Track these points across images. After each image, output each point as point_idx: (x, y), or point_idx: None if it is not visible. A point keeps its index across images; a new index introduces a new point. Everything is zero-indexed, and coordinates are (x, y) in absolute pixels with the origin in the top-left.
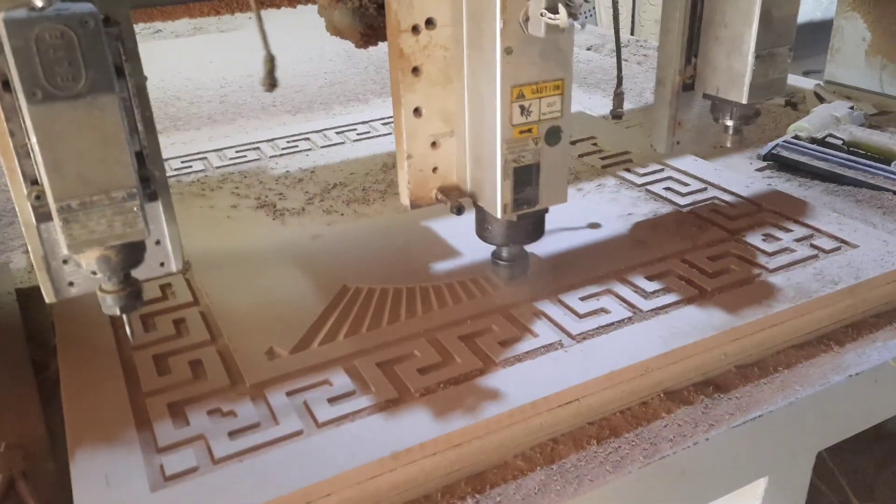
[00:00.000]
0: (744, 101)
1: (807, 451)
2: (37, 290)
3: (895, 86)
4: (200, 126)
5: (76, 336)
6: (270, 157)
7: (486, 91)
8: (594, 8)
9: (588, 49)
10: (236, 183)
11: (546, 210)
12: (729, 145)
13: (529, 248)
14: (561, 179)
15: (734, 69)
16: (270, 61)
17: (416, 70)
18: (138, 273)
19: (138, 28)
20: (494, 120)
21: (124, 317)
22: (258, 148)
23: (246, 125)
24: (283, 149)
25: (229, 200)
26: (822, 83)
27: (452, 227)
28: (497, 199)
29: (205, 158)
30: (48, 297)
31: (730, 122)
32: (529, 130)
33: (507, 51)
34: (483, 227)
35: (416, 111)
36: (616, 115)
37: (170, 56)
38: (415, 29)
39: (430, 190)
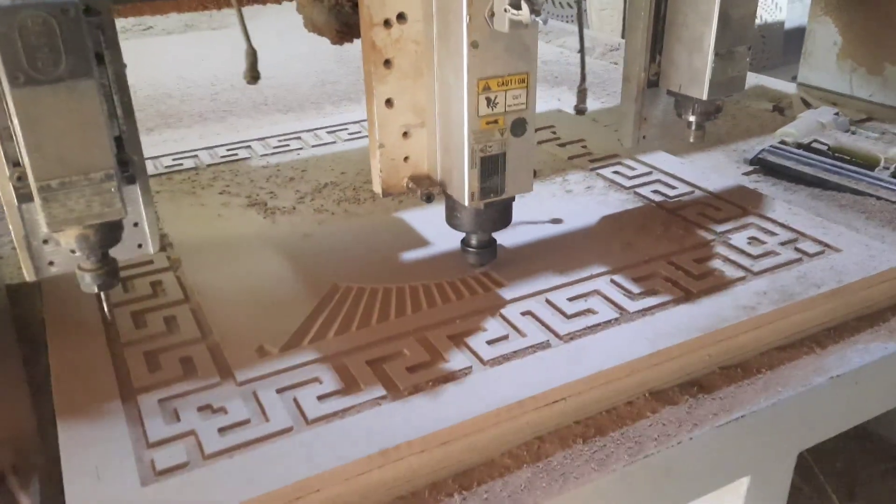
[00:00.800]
0: (704, 98)
1: (788, 451)
2: (27, 285)
3: (865, 89)
4: (192, 124)
5: (67, 332)
6: (261, 155)
7: (454, 83)
8: (586, 10)
9: (579, 52)
10: (227, 181)
11: (512, 198)
12: (692, 140)
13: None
14: (526, 169)
15: (695, 67)
16: (252, 55)
17: (387, 63)
18: (117, 255)
19: (129, 24)
20: (462, 111)
21: (101, 294)
22: (249, 146)
23: (237, 123)
24: (274, 148)
25: (220, 199)
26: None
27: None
28: (465, 187)
29: (195, 156)
30: (28, 275)
31: (692, 118)
32: (496, 122)
33: (474, 45)
34: (452, 214)
35: (388, 102)
36: (579, 110)
37: (161, 53)
38: (387, 23)
39: (401, 179)
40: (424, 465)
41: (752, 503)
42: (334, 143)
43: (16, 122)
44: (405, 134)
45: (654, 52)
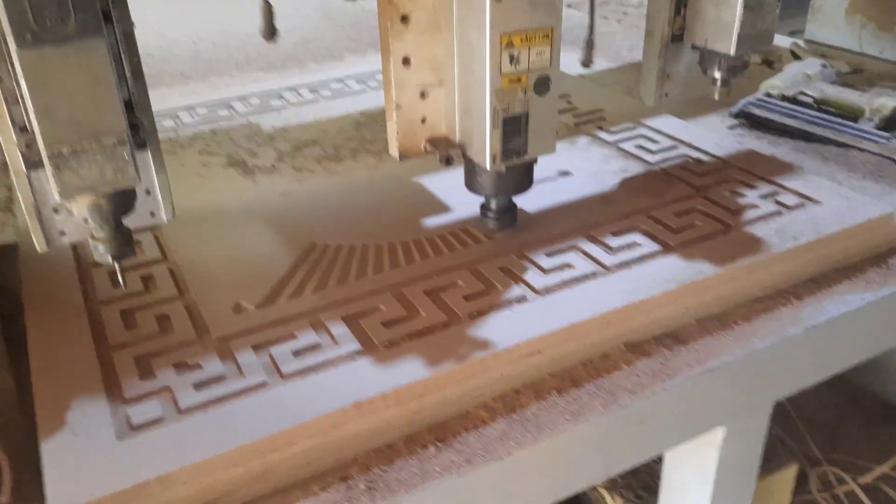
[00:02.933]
0: (732, 53)
1: (763, 402)
2: (6, 245)
3: (874, 45)
4: (172, 83)
5: (43, 291)
6: (242, 114)
7: (474, 39)
8: None
9: (568, 7)
10: (207, 141)
11: (535, 160)
12: (717, 98)
13: None
14: (549, 130)
15: (723, 20)
16: (268, 9)
17: (404, 18)
18: (129, 223)
19: None
20: (483, 69)
21: (116, 265)
22: (230, 106)
23: (218, 82)
24: (254, 106)
25: (199, 158)
26: (800, 42)
27: (433, 181)
28: (486, 149)
29: (175, 116)
30: (40, 246)
31: (718, 74)
32: (519, 80)
33: None
34: (472, 178)
35: (405, 60)
36: (586, 62)
37: (142, 11)
38: None
39: (419, 141)
40: (399, 417)
41: (727, 453)
42: (316, 100)
43: (24, 85)
44: (422, 94)
45: (679, 4)
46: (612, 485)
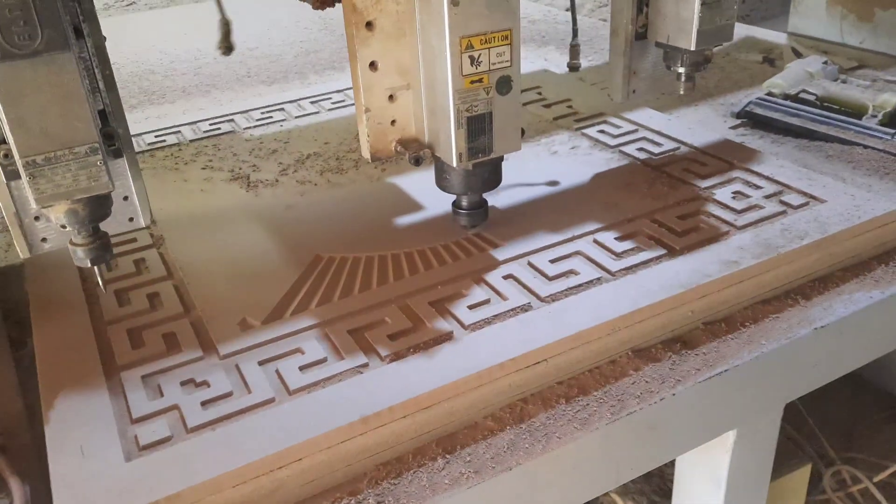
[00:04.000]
0: (692, 48)
1: (774, 404)
2: (13, 267)
3: (854, 36)
4: (175, 99)
5: (51, 311)
6: (244, 128)
7: (436, 43)
8: None
9: (567, 10)
10: (210, 156)
11: (502, 158)
12: (682, 92)
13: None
14: (514, 127)
15: (682, 17)
16: (225, 25)
17: (369, 25)
18: (109, 228)
19: (111, 0)
20: (446, 71)
21: (94, 269)
22: (232, 120)
23: (220, 97)
24: (257, 120)
25: (203, 174)
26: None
27: (427, 192)
28: (452, 148)
29: (178, 132)
30: (22, 252)
31: (681, 70)
32: (480, 80)
33: (454, 2)
34: (441, 176)
35: (372, 65)
36: (572, 66)
37: (144, 29)
38: None
39: (389, 142)
40: (407, 430)
41: (739, 456)
42: (317, 112)
43: None
44: (391, 97)
45: (641, 3)
46: (625, 490)
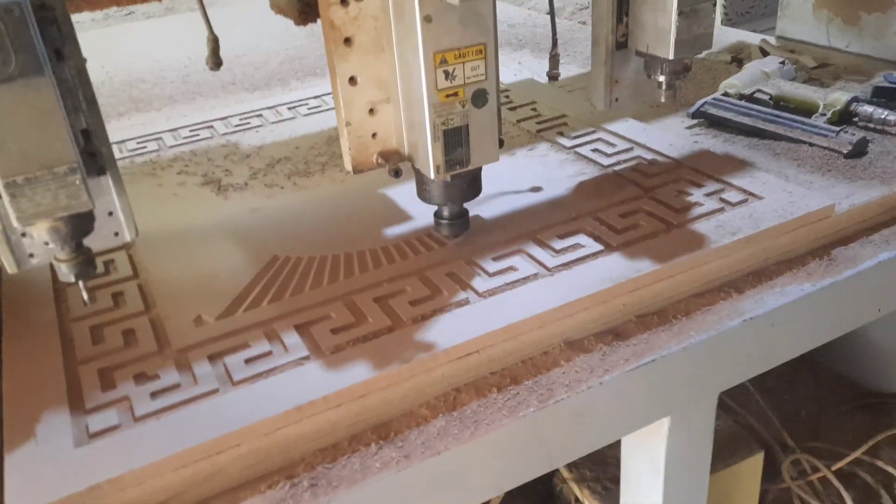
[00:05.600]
0: (670, 57)
1: (706, 393)
2: None
3: (840, 39)
4: (161, 107)
5: (21, 311)
6: (222, 134)
7: (411, 58)
8: None
9: (548, 13)
10: (186, 161)
11: (480, 169)
12: (663, 100)
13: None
14: (491, 139)
15: (660, 26)
16: (214, 41)
17: (347, 41)
18: (95, 243)
19: (111, 10)
20: (421, 85)
21: (80, 283)
22: (211, 126)
23: (204, 104)
24: (234, 126)
25: (177, 178)
26: (771, 39)
27: (398, 192)
28: (430, 161)
29: (159, 139)
30: (10, 268)
31: (662, 78)
32: (456, 94)
33: (427, 19)
34: (422, 188)
35: (352, 80)
36: (552, 76)
37: (140, 38)
38: (344, 1)
39: (370, 155)
40: (343, 418)
41: (675, 442)
42: (293, 118)
43: None
44: (371, 111)
45: (620, 13)
46: (581, 477)
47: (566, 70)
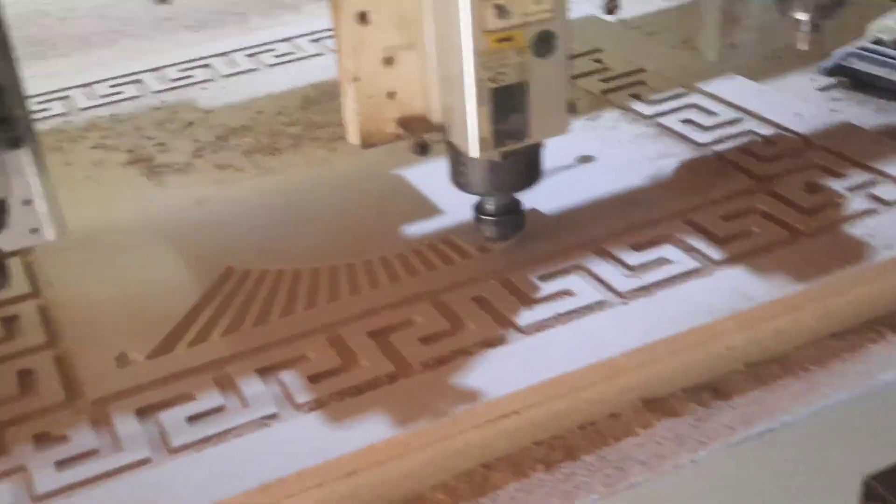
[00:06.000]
0: None
1: (847, 478)
2: None
3: None
4: (70, 51)
5: None
6: (155, 92)
7: None
8: None
9: None
10: (105, 130)
11: (541, 145)
12: (805, 46)
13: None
14: (558, 102)
15: None
16: None
17: None
18: (5, 244)
19: None
20: (460, 25)
21: None
22: (140, 80)
23: (130, 48)
24: (172, 80)
25: (92, 155)
26: None
27: (393, 177)
28: (471, 132)
29: (67, 97)
30: None
31: (803, 16)
32: (510, 39)
33: None
34: (458, 170)
35: (362, 16)
36: (609, 8)
37: None
38: None
39: (385, 122)
40: (323, 503)
41: None
42: (255, 70)
43: None
44: (388, 60)
45: None
46: None
47: (638, 6)
